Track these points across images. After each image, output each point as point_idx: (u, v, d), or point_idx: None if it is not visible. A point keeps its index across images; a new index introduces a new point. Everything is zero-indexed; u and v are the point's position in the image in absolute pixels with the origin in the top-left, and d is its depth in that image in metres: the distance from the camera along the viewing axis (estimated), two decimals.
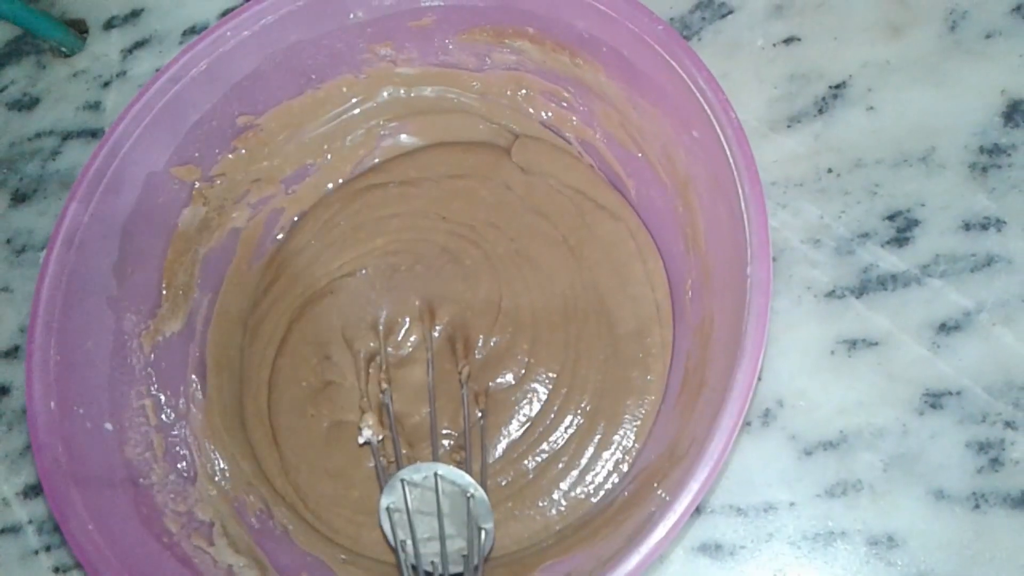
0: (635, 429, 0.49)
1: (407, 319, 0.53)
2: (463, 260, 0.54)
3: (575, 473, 0.49)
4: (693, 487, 0.36)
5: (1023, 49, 0.53)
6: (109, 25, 0.71)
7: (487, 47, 0.52)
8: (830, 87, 0.55)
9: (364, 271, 0.55)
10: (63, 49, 0.71)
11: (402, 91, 0.56)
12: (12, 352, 0.64)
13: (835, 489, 0.48)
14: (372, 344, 0.53)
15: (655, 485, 0.43)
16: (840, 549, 0.47)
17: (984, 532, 0.46)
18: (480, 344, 0.52)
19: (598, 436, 0.50)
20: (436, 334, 0.53)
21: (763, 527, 0.49)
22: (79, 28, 0.72)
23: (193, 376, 0.53)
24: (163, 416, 0.50)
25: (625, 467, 0.49)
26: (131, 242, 0.50)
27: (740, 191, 0.39)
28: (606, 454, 0.49)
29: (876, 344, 0.50)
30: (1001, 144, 0.51)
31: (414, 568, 0.42)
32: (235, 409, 0.54)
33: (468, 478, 0.44)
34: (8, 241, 0.67)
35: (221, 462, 0.52)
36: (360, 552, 0.50)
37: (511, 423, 0.50)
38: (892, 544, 0.47)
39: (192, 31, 0.68)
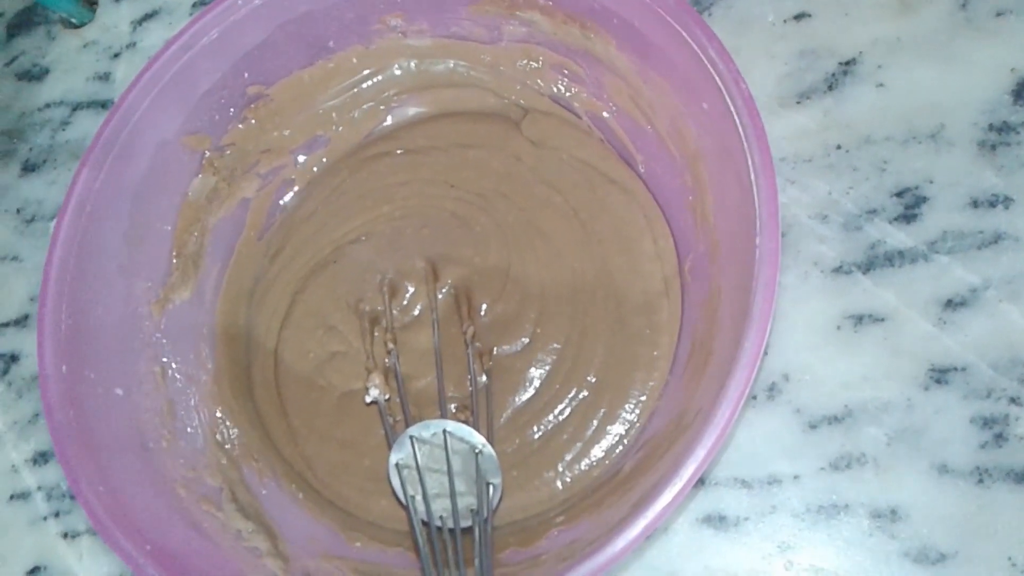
0: (641, 402, 0.50)
1: (413, 282, 0.54)
2: (472, 226, 0.54)
3: (580, 444, 0.49)
4: (699, 454, 0.36)
5: None
6: None
7: (498, 19, 0.52)
8: (840, 64, 0.55)
9: (369, 236, 0.55)
10: (73, 20, 0.71)
11: (413, 64, 0.56)
12: (22, 320, 0.65)
13: (839, 462, 0.49)
14: (377, 307, 0.53)
15: (661, 455, 0.44)
16: (843, 522, 0.48)
17: (987, 506, 0.46)
18: (486, 309, 0.52)
19: (604, 409, 0.50)
20: (441, 295, 0.53)
21: (767, 500, 0.49)
22: (89, 0, 0.72)
23: (202, 344, 0.54)
24: (173, 383, 0.51)
25: (631, 439, 0.49)
26: (141, 210, 0.50)
27: (750, 162, 0.40)
28: (612, 426, 0.50)
29: (882, 320, 0.50)
30: (1010, 122, 0.51)
31: (424, 523, 0.43)
32: (243, 378, 0.54)
33: (477, 435, 0.44)
34: (18, 211, 0.67)
35: (230, 429, 0.52)
36: (368, 519, 0.50)
37: (516, 391, 0.50)
38: (895, 517, 0.47)
39: (202, 3, 0.68)
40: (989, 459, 0.47)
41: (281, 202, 0.58)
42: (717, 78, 0.41)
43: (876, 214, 0.52)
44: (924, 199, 0.51)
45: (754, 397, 0.51)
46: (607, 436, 0.49)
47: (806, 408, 0.50)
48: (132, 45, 0.69)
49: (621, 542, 0.36)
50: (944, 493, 0.47)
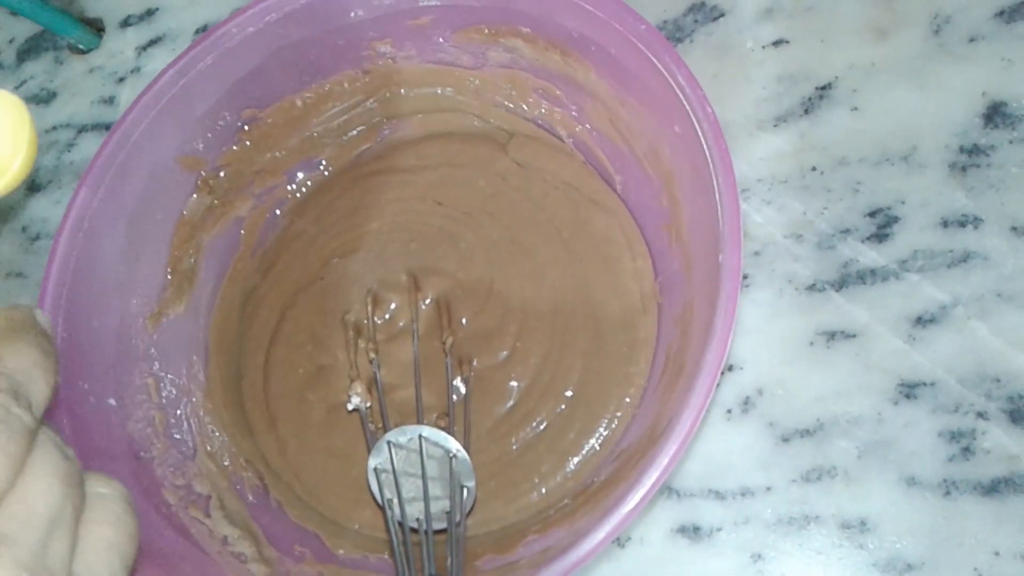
0: (618, 417, 0.51)
1: (397, 294, 0.55)
2: (458, 242, 0.55)
3: (556, 456, 0.51)
4: (662, 462, 0.38)
5: (1005, 52, 0.54)
6: (125, 23, 0.73)
7: (483, 45, 0.54)
8: (816, 88, 0.57)
9: (357, 252, 0.57)
10: (80, 46, 0.74)
11: (403, 90, 0.58)
12: None
13: (810, 475, 0.50)
14: (363, 319, 0.55)
15: (633, 466, 0.45)
16: (814, 532, 0.49)
17: (954, 518, 0.47)
18: (468, 322, 0.54)
19: (580, 422, 0.51)
20: (424, 307, 0.54)
21: (740, 511, 0.50)
22: (96, 26, 0.74)
23: (195, 357, 0.55)
24: (165, 394, 0.53)
25: (606, 451, 0.50)
26: (138, 228, 0.52)
27: (715, 181, 0.41)
28: (587, 440, 0.51)
29: (854, 336, 0.51)
30: (981, 144, 0.53)
31: (400, 525, 0.44)
32: (234, 391, 0.56)
33: (452, 440, 0.46)
34: (23, 229, 0.70)
35: (220, 440, 0.54)
36: (353, 528, 0.52)
37: (495, 402, 0.52)
38: (864, 528, 0.48)
39: (204, 29, 0.71)
40: (956, 472, 0.48)
41: (274, 220, 0.60)
42: (685, 103, 0.43)
43: (849, 233, 0.53)
44: (896, 219, 0.53)
45: (728, 411, 0.52)
46: (583, 449, 0.51)
47: (779, 422, 0.51)
48: (136, 70, 0.72)
49: (586, 546, 0.38)
50: (912, 505, 0.48)
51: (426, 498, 0.44)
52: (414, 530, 0.46)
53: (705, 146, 0.42)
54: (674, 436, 0.38)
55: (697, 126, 0.42)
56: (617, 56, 0.48)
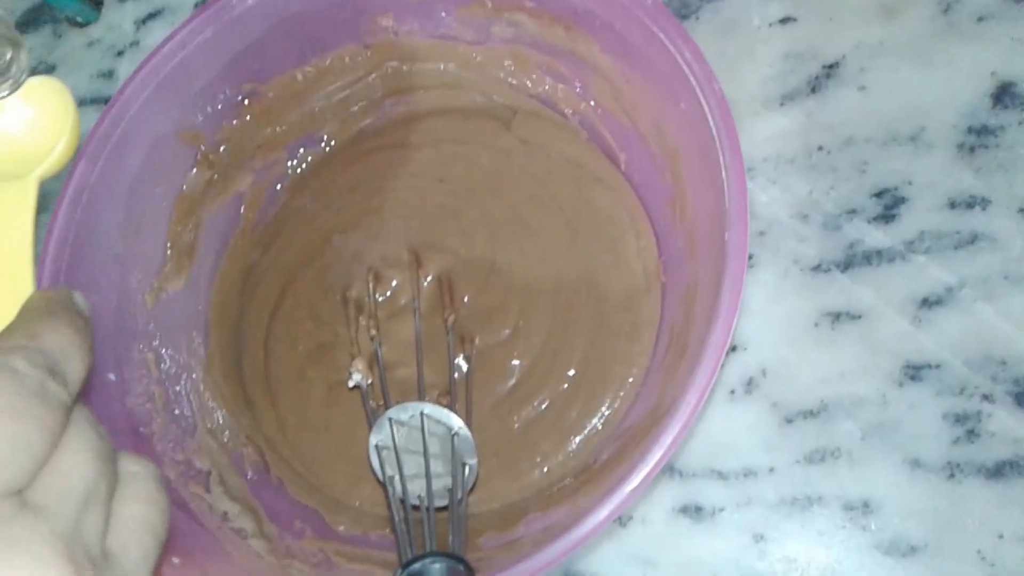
0: (620, 396, 0.51)
1: (398, 271, 0.55)
2: (460, 219, 0.55)
3: (558, 435, 0.50)
4: (665, 441, 0.37)
5: (1014, 32, 0.53)
6: None
7: (486, 20, 0.53)
8: (823, 67, 0.56)
9: (358, 228, 0.56)
10: (79, 19, 0.73)
11: (405, 65, 0.58)
12: None
13: (814, 456, 0.50)
14: (363, 296, 0.55)
15: (635, 445, 0.45)
16: (817, 514, 0.49)
17: (957, 501, 0.47)
18: (470, 300, 0.53)
19: (583, 402, 0.51)
20: (426, 284, 0.54)
21: (743, 491, 0.50)
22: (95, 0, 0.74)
23: (195, 333, 0.55)
24: (164, 369, 0.52)
25: (608, 430, 0.50)
26: (137, 202, 0.52)
27: (722, 160, 0.41)
28: (590, 419, 0.51)
29: (859, 317, 0.51)
30: (989, 125, 0.52)
31: (401, 502, 0.44)
32: (235, 368, 0.56)
33: (454, 417, 0.46)
34: None
35: (220, 416, 0.54)
36: (353, 504, 0.52)
37: (498, 381, 0.52)
38: (867, 510, 0.48)
39: (204, 2, 0.70)
40: (961, 454, 0.48)
41: (274, 196, 0.59)
42: (692, 79, 0.43)
43: (855, 214, 0.53)
44: (903, 200, 0.52)
45: (732, 391, 0.52)
46: (585, 428, 0.50)
47: (783, 402, 0.51)
48: (135, 43, 0.71)
49: (588, 525, 0.37)
50: (916, 487, 0.48)
51: (428, 475, 0.44)
52: (415, 507, 0.46)
53: (712, 123, 0.41)
54: (677, 416, 0.38)
55: (704, 102, 0.42)
56: (622, 31, 0.47)
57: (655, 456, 0.37)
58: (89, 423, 0.29)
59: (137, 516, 0.29)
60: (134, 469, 0.31)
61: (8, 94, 0.35)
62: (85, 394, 0.46)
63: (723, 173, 0.41)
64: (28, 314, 0.31)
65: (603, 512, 0.38)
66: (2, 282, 0.32)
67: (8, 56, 0.34)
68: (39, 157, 0.35)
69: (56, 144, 0.35)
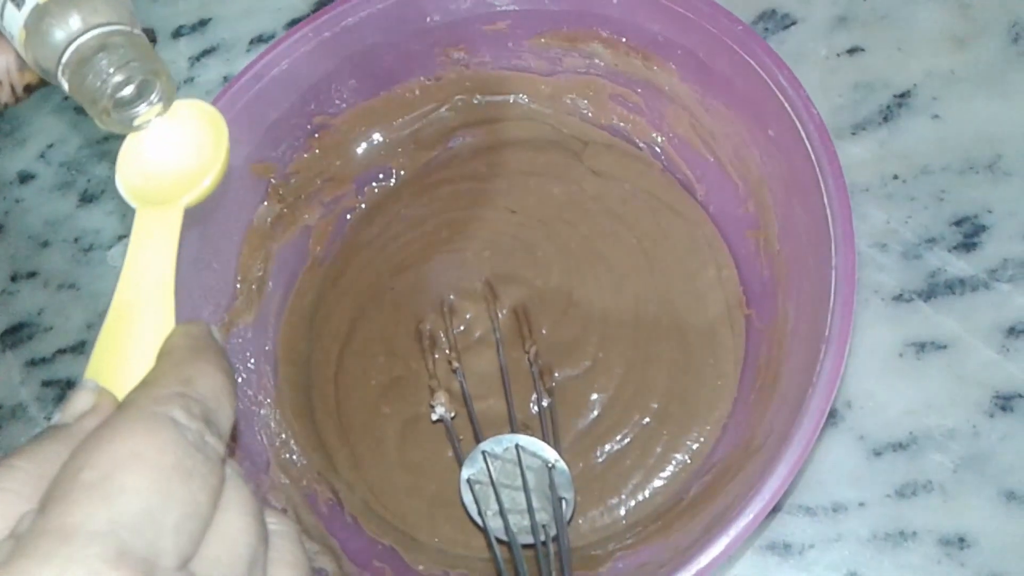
0: (707, 430, 0.49)
1: (473, 303, 0.54)
2: (534, 250, 0.54)
3: (643, 471, 0.49)
4: (781, 473, 0.36)
5: None
6: (178, 34, 0.73)
7: (559, 51, 0.53)
8: (894, 96, 0.56)
9: (429, 261, 0.56)
10: None
11: (476, 98, 0.57)
12: (79, 347, 0.66)
13: (905, 489, 0.48)
14: (438, 328, 0.54)
15: (730, 479, 0.44)
16: (911, 549, 0.47)
17: None
18: (547, 332, 0.52)
19: (667, 437, 0.50)
20: (502, 316, 0.53)
21: (832, 527, 0.49)
22: (148, 36, 0.73)
23: (265, 368, 0.54)
24: (238, 405, 0.51)
25: (695, 465, 0.49)
26: (209, 236, 0.51)
27: (823, 185, 0.40)
28: (676, 454, 0.49)
29: (945, 347, 0.50)
30: None
31: (498, 540, 0.43)
32: (305, 403, 0.55)
33: (549, 450, 0.45)
34: (75, 240, 0.69)
35: (293, 452, 0.52)
36: (431, 543, 0.50)
37: (578, 415, 0.50)
38: (964, 545, 0.47)
39: (259, 40, 0.70)
40: None
41: (342, 229, 0.59)
42: (787, 104, 0.42)
43: (935, 243, 0.52)
44: (983, 228, 0.52)
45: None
46: (671, 463, 0.49)
47: (870, 435, 0.50)
48: (190, 80, 0.71)
49: (702, 561, 0.36)
50: (1012, 520, 0.47)
51: (530, 509, 0.42)
52: (501, 541, 0.44)
53: (810, 147, 0.41)
54: (791, 449, 0.37)
55: (800, 128, 0.42)
56: (705, 59, 0.47)
57: (770, 491, 0.36)
58: (242, 478, 0.26)
59: None
60: (277, 528, 0.28)
61: (153, 117, 0.34)
62: None
63: (824, 198, 0.40)
64: (175, 354, 0.28)
65: (714, 551, 0.36)
66: (144, 312, 0.30)
67: (151, 78, 0.33)
68: (187, 184, 0.33)
69: (207, 172, 0.33)
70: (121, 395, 0.28)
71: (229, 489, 0.25)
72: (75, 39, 0.32)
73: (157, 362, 0.28)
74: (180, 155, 0.34)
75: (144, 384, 0.26)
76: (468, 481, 0.45)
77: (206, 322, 0.30)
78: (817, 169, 0.40)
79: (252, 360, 0.53)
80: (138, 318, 0.30)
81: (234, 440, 0.50)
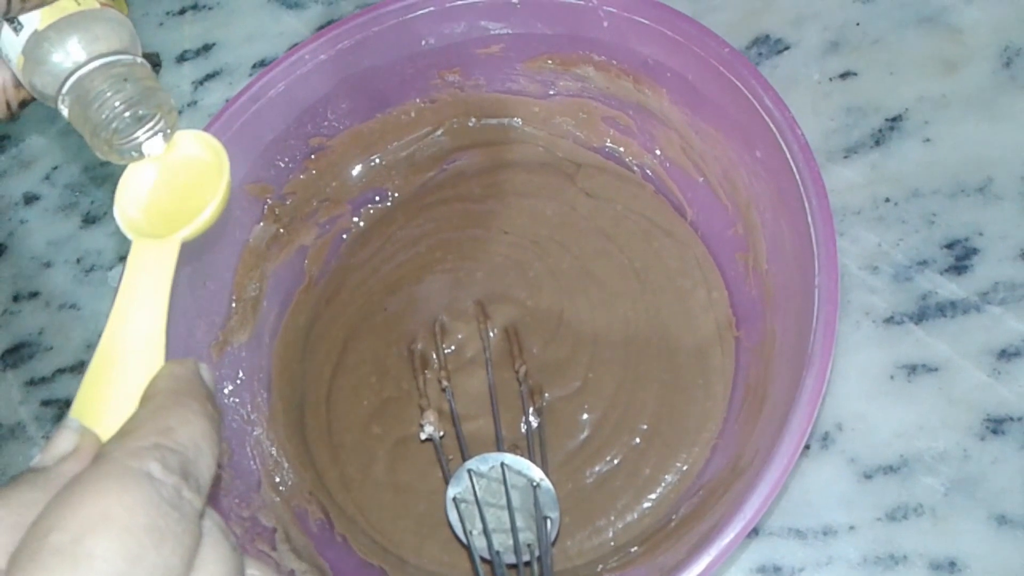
0: (695, 451, 0.49)
1: (465, 323, 0.54)
2: (526, 271, 0.55)
3: (632, 491, 0.49)
4: (762, 493, 0.36)
5: None
6: (182, 58, 0.74)
7: (553, 74, 0.54)
8: (886, 120, 0.56)
9: (422, 281, 0.56)
10: None
11: (471, 121, 0.58)
12: (78, 367, 0.66)
13: (896, 513, 0.48)
14: (429, 348, 0.54)
15: (716, 500, 0.44)
16: (901, 573, 0.47)
17: None
18: (538, 352, 0.53)
19: (657, 456, 0.50)
20: (493, 335, 0.53)
21: (823, 550, 0.48)
22: (152, 61, 0.75)
23: (259, 387, 0.54)
24: (230, 424, 0.52)
25: (684, 486, 0.49)
26: (205, 255, 0.52)
27: (807, 206, 0.40)
28: (665, 474, 0.49)
29: (936, 370, 0.50)
30: None
31: (484, 560, 0.43)
32: (298, 423, 0.55)
33: (535, 468, 0.45)
34: (78, 260, 0.69)
35: (284, 472, 0.53)
36: (421, 564, 0.50)
37: (568, 435, 0.51)
38: (954, 569, 0.46)
39: (261, 64, 0.71)
40: None
41: (338, 249, 0.59)
42: (772, 125, 0.43)
43: (927, 265, 0.52)
44: (974, 251, 0.52)
45: (807, 447, 0.50)
46: (660, 484, 0.49)
47: (860, 458, 0.50)
48: (193, 103, 0.72)
49: None
50: (1003, 544, 0.46)
51: (513, 528, 0.42)
52: (485, 560, 0.44)
53: (795, 169, 0.41)
54: (770, 470, 0.36)
55: (786, 149, 0.42)
56: (694, 82, 0.48)
57: (750, 511, 0.36)
58: (222, 533, 0.25)
59: None
60: None
61: (154, 150, 0.33)
62: None
63: (809, 218, 0.40)
64: (157, 399, 0.27)
65: (694, 572, 0.36)
66: (133, 350, 0.29)
67: (154, 111, 0.33)
68: (186, 218, 0.31)
69: (206, 206, 0.32)
70: (106, 435, 0.27)
71: (206, 547, 0.24)
72: (77, 70, 0.32)
73: (138, 408, 0.27)
74: (180, 188, 0.33)
75: (121, 434, 0.25)
76: (454, 500, 0.45)
77: (195, 360, 0.29)
78: (801, 189, 0.41)
79: (245, 379, 0.54)
80: (127, 356, 0.29)
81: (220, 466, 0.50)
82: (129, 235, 0.32)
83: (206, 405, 0.27)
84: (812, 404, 0.37)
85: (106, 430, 0.27)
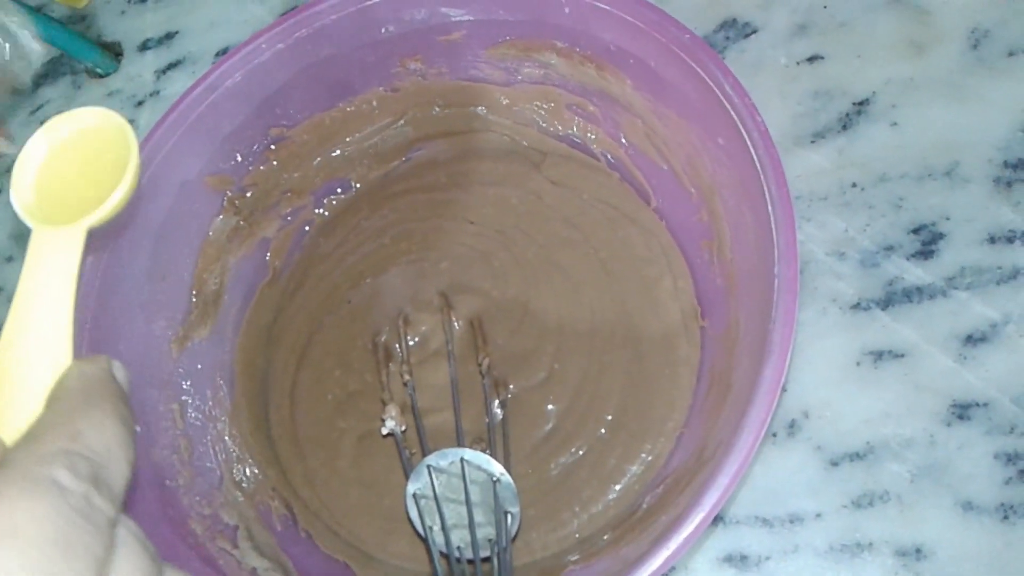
0: (661, 440, 0.49)
1: (429, 315, 0.54)
2: (491, 261, 0.54)
3: (597, 482, 0.49)
4: (721, 485, 0.36)
5: None
6: (144, 47, 0.73)
7: (516, 61, 0.53)
8: (854, 104, 0.56)
9: (386, 273, 0.56)
10: (98, 70, 0.73)
11: (434, 109, 0.57)
12: None
13: (862, 500, 0.48)
14: (393, 341, 0.53)
15: (680, 490, 0.43)
16: (867, 560, 0.47)
17: (1013, 543, 0.45)
18: (503, 343, 0.52)
19: (622, 447, 0.49)
20: (458, 327, 0.53)
21: (789, 538, 0.48)
22: (114, 50, 0.74)
23: (221, 383, 0.54)
24: (191, 421, 0.51)
25: (649, 476, 0.49)
26: (163, 248, 0.51)
27: (767, 193, 0.40)
28: (630, 465, 0.49)
29: (902, 356, 0.50)
30: None
31: (443, 555, 0.42)
32: (261, 419, 0.54)
33: (495, 463, 0.44)
34: None
35: (247, 468, 0.52)
36: (386, 559, 0.50)
37: (533, 426, 0.50)
38: (920, 555, 0.46)
39: (225, 52, 0.70)
40: (1014, 495, 0.46)
41: (300, 241, 0.59)
42: (733, 112, 0.42)
43: (893, 251, 0.52)
44: (941, 235, 0.51)
45: (774, 435, 0.50)
46: (626, 474, 0.49)
47: (827, 445, 0.49)
48: (156, 93, 0.71)
49: (643, 574, 0.36)
50: (969, 530, 0.46)
51: (472, 524, 0.42)
52: (446, 556, 0.44)
53: (755, 156, 0.41)
54: (729, 462, 0.36)
55: (746, 136, 0.41)
56: (656, 68, 0.47)
57: (709, 502, 0.36)
58: (138, 542, 0.24)
59: None
60: None
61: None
62: None
63: (769, 206, 0.40)
64: (66, 400, 0.26)
65: (654, 564, 0.36)
66: (37, 347, 0.27)
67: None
68: (91, 204, 0.29)
69: (113, 190, 0.29)
70: (11, 439, 0.25)
71: (120, 558, 0.23)
72: None
73: (45, 410, 0.25)
74: (85, 172, 0.31)
75: (27, 439, 0.24)
76: (414, 496, 0.45)
77: (107, 358, 0.28)
78: (761, 176, 0.40)
79: (207, 374, 0.53)
80: (30, 354, 0.27)
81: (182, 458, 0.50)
82: (29, 222, 0.30)
83: (119, 406, 0.26)
84: (771, 394, 0.36)
85: (13, 432, 0.25)
